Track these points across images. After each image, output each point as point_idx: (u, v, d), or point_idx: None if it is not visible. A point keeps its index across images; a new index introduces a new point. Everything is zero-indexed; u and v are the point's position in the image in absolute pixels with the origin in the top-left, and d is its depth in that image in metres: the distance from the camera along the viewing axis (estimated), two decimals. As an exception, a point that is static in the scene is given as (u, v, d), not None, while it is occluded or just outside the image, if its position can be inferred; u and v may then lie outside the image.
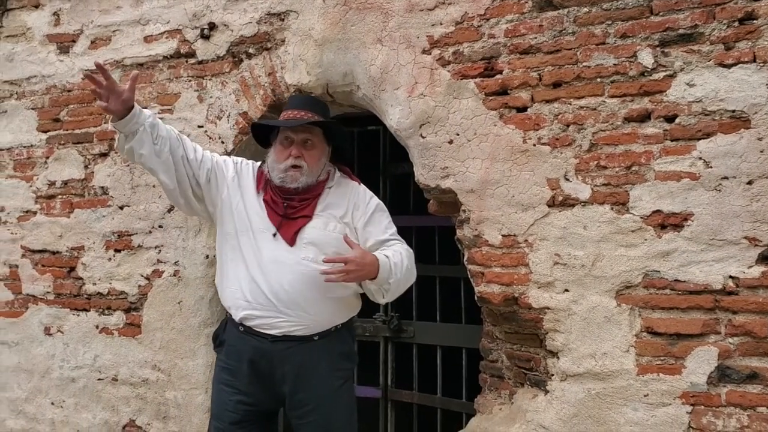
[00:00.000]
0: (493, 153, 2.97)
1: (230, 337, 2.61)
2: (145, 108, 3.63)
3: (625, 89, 2.77)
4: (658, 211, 2.71)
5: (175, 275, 3.69)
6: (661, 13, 2.72)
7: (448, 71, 3.07)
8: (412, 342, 4.12)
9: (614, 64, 2.79)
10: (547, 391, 2.90)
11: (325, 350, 2.57)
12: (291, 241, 2.53)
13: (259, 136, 2.80)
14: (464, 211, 3.04)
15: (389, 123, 3.22)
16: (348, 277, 2.45)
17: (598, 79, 2.82)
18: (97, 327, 3.89)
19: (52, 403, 4.00)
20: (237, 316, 2.56)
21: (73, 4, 4.05)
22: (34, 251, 4.09)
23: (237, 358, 2.58)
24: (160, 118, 3.63)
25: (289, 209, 2.57)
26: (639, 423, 2.70)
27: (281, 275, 2.50)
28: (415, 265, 2.65)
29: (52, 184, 4.05)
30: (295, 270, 2.50)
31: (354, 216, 2.63)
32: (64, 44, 4.08)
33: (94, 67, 3.87)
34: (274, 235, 2.54)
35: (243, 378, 2.57)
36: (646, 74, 2.74)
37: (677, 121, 2.69)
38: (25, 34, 4.20)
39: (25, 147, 4.15)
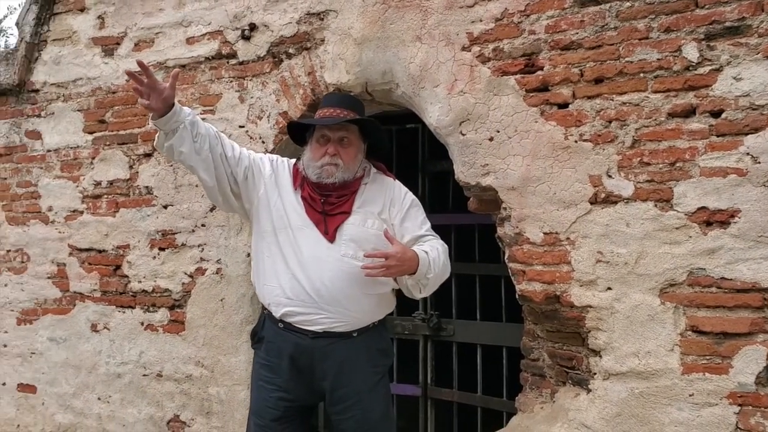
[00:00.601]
0: (534, 150, 2.95)
1: (269, 333, 2.63)
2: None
3: (669, 84, 2.73)
4: (703, 208, 2.66)
5: (217, 273, 3.75)
6: (706, 6, 2.67)
7: (488, 68, 3.06)
8: (452, 340, 4.11)
9: (658, 59, 2.75)
10: (589, 390, 2.87)
11: (364, 346, 2.59)
12: (331, 238, 2.54)
13: (295, 134, 2.81)
14: (505, 208, 3.02)
15: (429, 120, 3.22)
16: (388, 272, 2.45)
17: (641, 75, 2.78)
18: (142, 324, 3.97)
19: (99, 398, 4.10)
20: (277, 312, 2.57)
21: (117, 8, 4.12)
22: (81, 250, 4.19)
23: (277, 355, 2.60)
24: (202, 119, 3.71)
25: (327, 206, 2.57)
26: (684, 423, 2.66)
27: (322, 272, 2.51)
28: (449, 260, 2.66)
29: (98, 184, 4.14)
30: (335, 267, 2.51)
31: (390, 212, 2.64)
32: (108, 47, 4.16)
33: (139, 69, 3.97)
34: (319, 232, 2.54)
35: (283, 374, 2.59)
36: (690, 69, 2.69)
37: (723, 115, 2.64)
38: (71, 37, 4.30)
39: (71, 148, 4.25)
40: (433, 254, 2.55)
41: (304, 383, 2.59)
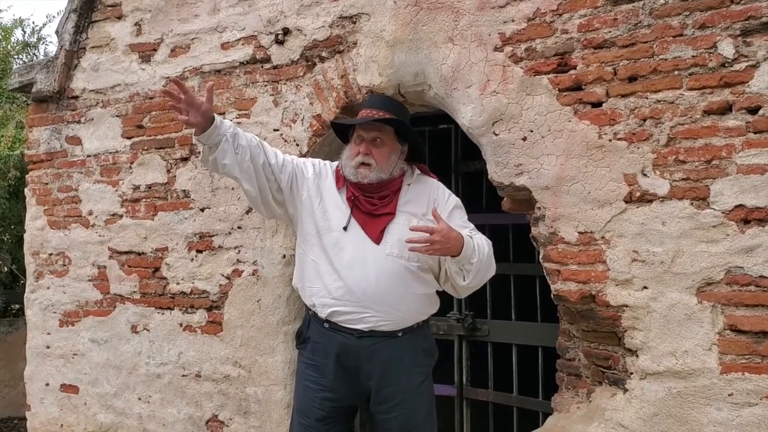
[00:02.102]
0: (568, 149, 2.95)
1: (315, 334, 2.65)
2: (225, 118, 3.76)
3: (705, 81, 2.70)
4: (740, 206, 2.63)
5: (253, 274, 3.79)
6: (742, 2, 2.63)
7: (521, 68, 3.06)
8: (487, 340, 4.11)
9: (692, 56, 2.72)
10: (626, 390, 2.86)
11: (408, 346, 2.62)
12: (377, 239, 2.56)
13: (341, 136, 2.86)
14: (539, 208, 3.02)
15: (461, 121, 3.23)
16: (432, 248, 2.43)
17: (676, 72, 2.75)
18: (180, 325, 4.04)
19: (139, 398, 4.17)
20: (323, 313, 2.59)
21: (154, 14, 4.20)
22: (120, 252, 4.27)
23: (323, 355, 2.62)
24: (238, 123, 3.77)
25: (371, 206, 2.60)
26: (723, 423, 2.63)
27: (368, 271, 2.53)
28: (493, 258, 2.65)
29: (136, 188, 4.22)
30: (380, 266, 2.54)
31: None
32: (145, 53, 4.24)
33: (175, 75, 4.04)
34: (365, 233, 2.57)
35: (329, 374, 2.61)
36: (726, 65, 2.67)
37: (761, 112, 2.60)
38: (109, 44, 4.38)
39: (110, 153, 4.33)
40: (477, 240, 2.56)
41: (349, 383, 2.62)
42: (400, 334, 2.58)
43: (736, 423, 2.61)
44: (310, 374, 2.66)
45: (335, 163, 2.77)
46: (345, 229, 2.59)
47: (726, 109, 2.67)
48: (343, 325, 2.56)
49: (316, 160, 2.81)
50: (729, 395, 2.63)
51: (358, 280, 2.53)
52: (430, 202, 2.66)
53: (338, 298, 2.55)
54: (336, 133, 2.89)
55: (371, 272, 2.53)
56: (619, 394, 2.89)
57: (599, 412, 2.92)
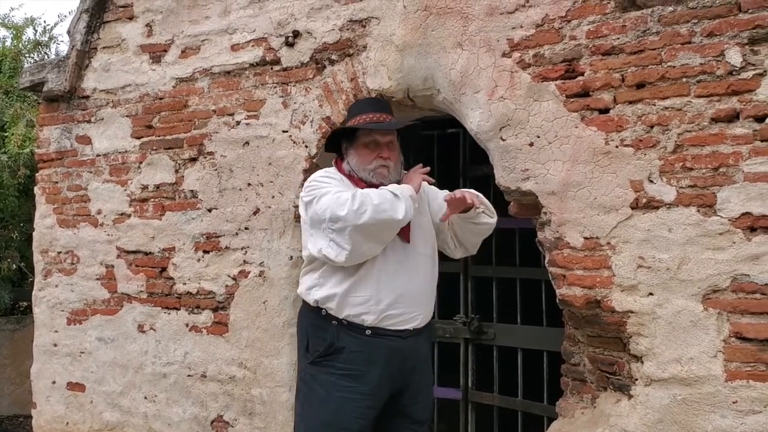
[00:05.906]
0: (574, 155, 2.95)
1: (351, 343, 2.60)
2: (233, 119, 3.77)
3: (712, 89, 2.71)
4: (747, 214, 2.63)
5: (260, 276, 3.81)
6: (750, 11, 2.64)
7: (529, 74, 3.07)
8: (493, 344, 4.11)
9: (700, 64, 2.73)
10: (630, 396, 2.86)
11: (428, 338, 2.84)
12: (407, 237, 2.66)
13: (330, 141, 2.88)
14: (545, 213, 3.03)
15: (469, 126, 3.24)
16: (471, 195, 2.62)
17: (684, 80, 2.76)
18: (187, 325, 4.06)
19: (145, 398, 4.19)
20: (372, 321, 2.58)
21: (165, 16, 4.22)
22: (128, 252, 4.29)
23: (364, 362, 2.59)
24: (247, 124, 3.80)
25: None
26: (728, 430, 2.63)
27: (406, 271, 2.63)
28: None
29: (145, 187, 4.24)
30: (414, 265, 2.66)
31: (431, 207, 2.82)
32: (156, 54, 4.26)
33: (185, 76, 4.06)
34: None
35: (371, 380, 2.59)
36: (734, 73, 2.67)
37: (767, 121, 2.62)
38: (120, 45, 4.41)
39: (120, 153, 4.35)
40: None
41: (390, 384, 2.64)
42: (425, 329, 2.73)
43: (740, 430, 2.61)
44: (347, 385, 2.58)
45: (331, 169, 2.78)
46: None
47: (733, 117, 2.68)
48: (391, 328, 2.60)
49: (330, 177, 2.76)
50: (734, 403, 2.63)
51: (402, 281, 2.61)
52: (423, 198, 2.77)
53: (391, 303, 2.59)
54: (330, 139, 2.84)
55: (408, 272, 2.64)
56: (623, 400, 2.89)
57: (604, 418, 2.92)
